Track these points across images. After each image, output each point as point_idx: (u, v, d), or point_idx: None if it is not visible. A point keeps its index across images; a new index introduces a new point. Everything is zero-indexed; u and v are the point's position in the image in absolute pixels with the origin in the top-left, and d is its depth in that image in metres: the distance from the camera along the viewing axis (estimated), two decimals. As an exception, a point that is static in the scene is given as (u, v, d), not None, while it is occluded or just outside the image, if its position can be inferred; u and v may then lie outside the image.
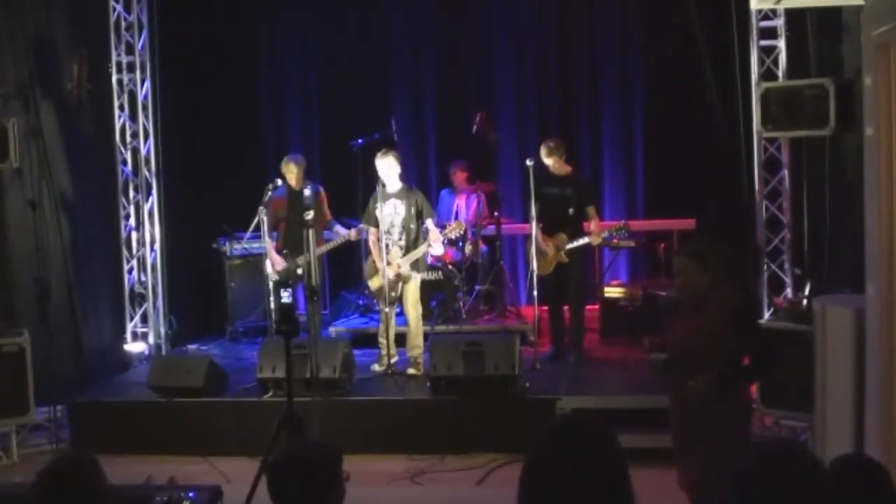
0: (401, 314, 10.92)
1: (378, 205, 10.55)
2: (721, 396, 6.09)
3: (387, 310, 10.58)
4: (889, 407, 6.72)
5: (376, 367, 10.76)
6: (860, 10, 7.36)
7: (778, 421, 9.19)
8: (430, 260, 11.79)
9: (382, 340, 10.73)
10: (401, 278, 10.56)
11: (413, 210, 10.59)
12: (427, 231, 10.67)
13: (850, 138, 9.39)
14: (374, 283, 10.80)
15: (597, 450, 3.22)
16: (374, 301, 12.06)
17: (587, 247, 11.01)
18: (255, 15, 14.16)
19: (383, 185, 10.52)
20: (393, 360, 10.68)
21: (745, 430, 6.53)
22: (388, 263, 10.45)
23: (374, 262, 10.71)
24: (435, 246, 10.82)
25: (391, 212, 10.57)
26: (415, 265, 10.68)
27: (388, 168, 10.48)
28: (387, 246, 10.48)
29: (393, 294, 10.57)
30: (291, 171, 10.84)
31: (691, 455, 6.35)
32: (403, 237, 10.59)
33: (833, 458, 3.77)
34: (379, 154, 10.58)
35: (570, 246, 10.67)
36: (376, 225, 10.58)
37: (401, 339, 10.87)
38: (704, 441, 6.20)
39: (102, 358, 11.60)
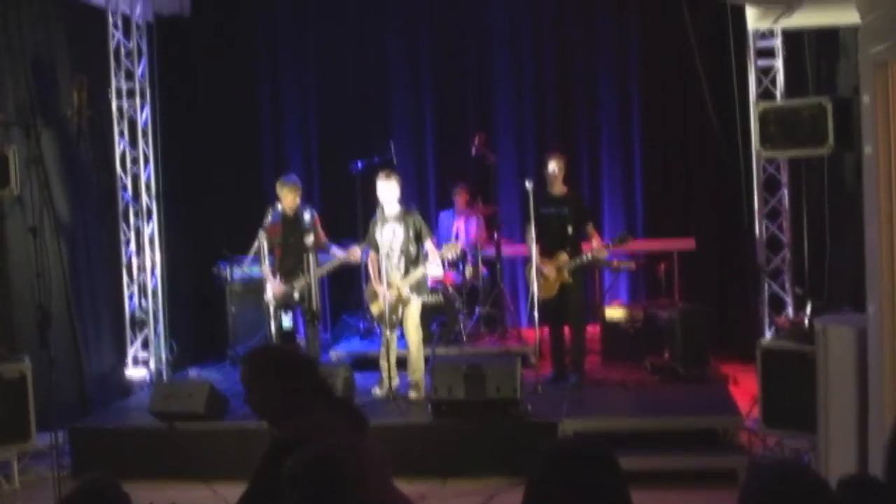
0: (402, 337, 10.90)
1: (377, 228, 10.55)
2: None
3: (388, 333, 10.56)
4: (893, 424, 6.70)
5: (377, 391, 10.73)
6: (857, 29, 7.38)
7: (781, 441, 9.17)
8: (430, 283, 11.79)
9: (384, 364, 10.69)
10: (401, 301, 10.55)
11: (411, 232, 10.54)
12: (427, 253, 10.67)
13: (849, 157, 9.41)
14: (375, 308, 10.77)
15: (596, 473, 3.22)
16: (375, 324, 12.06)
17: (588, 266, 11.02)
18: (253, 39, 14.22)
19: (382, 209, 10.52)
20: (394, 384, 10.65)
21: None
22: (388, 286, 10.45)
23: (374, 285, 10.70)
24: (433, 267, 10.78)
25: (390, 235, 10.55)
26: (416, 288, 10.63)
27: (389, 191, 10.46)
28: (386, 270, 10.49)
29: (394, 317, 10.54)
30: (286, 194, 10.75)
31: None
32: (403, 260, 10.55)
33: (838, 479, 3.76)
34: (382, 175, 10.55)
35: (571, 265, 10.67)
36: (376, 249, 10.58)
37: (402, 363, 10.84)
38: None
39: (103, 384, 11.60)
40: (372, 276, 10.71)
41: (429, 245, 10.65)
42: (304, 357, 5.06)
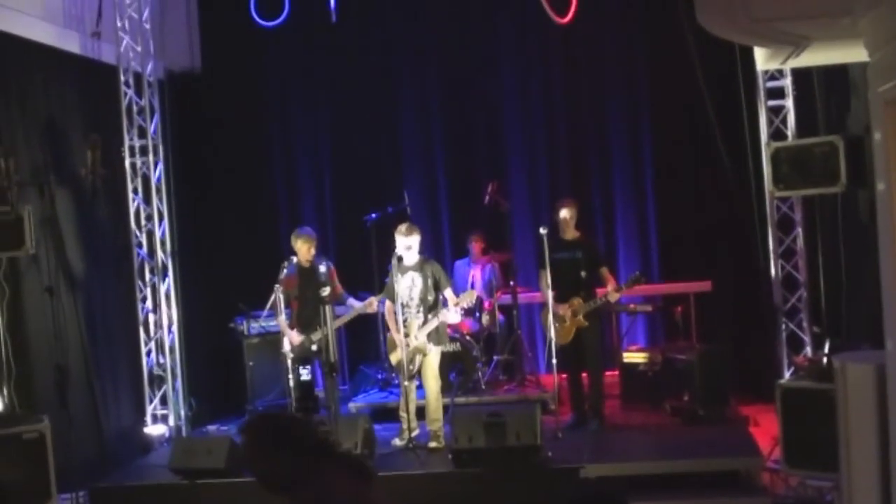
0: (421, 387, 10.88)
1: (395, 278, 10.57)
2: None
3: (406, 383, 10.55)
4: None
5: (398, 442, 10.70)
6: (866, 67, 7.39)
7: (803, 481, 9.11)
8: (448, 331, 11.79)
9: (403, 414, 10.67)
10: (419, 351, 10.55)
11: (430, 282, 10.61)
12: (446, 301, 10.69)
13: (862, 194, 9.40)
14: (394, 357, 10.78)
15: None
16: (394, 375, 12.09)
17: (604, 310, 11.02)
18: (265, 93, 14.30)
19: (399, 259, 10.54)
20: (414, 434, 10.62)
21: None
22: (406, 335, 10.47)
23: (393, 335, 10.70)
24: (451, 314, 10.80)
25: (409, 284, 10.61)
26: (436, 337, 10.64)
27: (410, 245, 10.55)
28: (405, 319, 10.53)
29: (411, 367, 10.54)
30: (301, 245, 10.81)
31: None
32: (422, 309, 10.59)
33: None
34: (403, 230, 10.57)
35: (585, 309, 10.67)
36: (393, 299, 10.61)
37: (421, 412, 10.82)
38: None
39: (123, 441, 11.58)
40: (391, 326, 10.72)
41: (448, 293, 10.70)
42: (300, 421, 5.03)
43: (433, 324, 10.59)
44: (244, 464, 4.76)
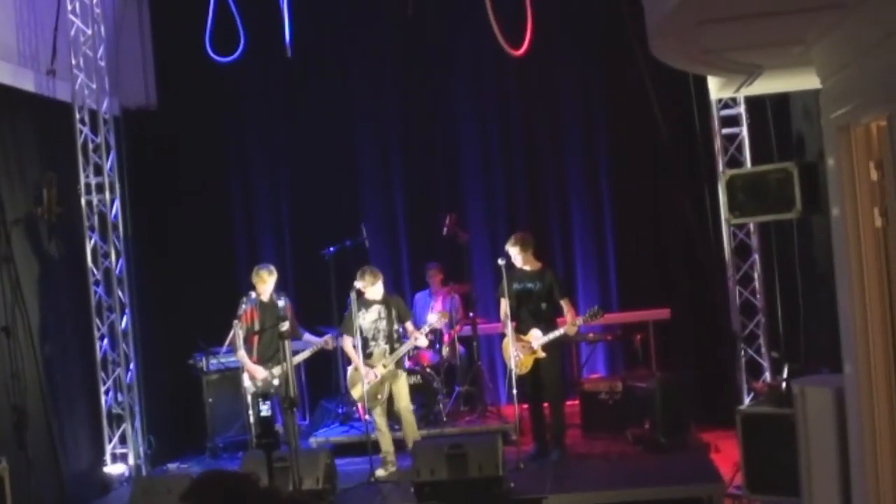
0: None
1: (356, 312, 10.74)
2: None
3: (376, 417, 10.87)
4: (875, 484, 6.71)
5: (381, 472, 10.79)
6: (819, 94, 7.47)
7: (766, 506, 9.15)
8: (407, 364, 11.84)
9: (388, 448, 10.94)
10: (390, 376, 10.80)
11: (394, 313, 10.92)
12: (407, 332, 10.99)
13: (817, 219, 9.48)
14: (356, 392, 10.85)
15: None
16: (354, 409, 12.12)
17: (562, 341, 11.02)
18: (221, 129, 14.24)
19: (359, 293, 10.72)
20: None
21: None
22: (372, 366, 10.70)
23: (355, 370, 10.74)
24: (420, 339, 11.09)
25: (375, 318, 10.89)
26: (401, 364, 10.98)
27: (375, 289, 10.86)
28: (370, 352, 10.79)
29: (379, 397, 10.75)
30: (263, 281, 10.96)
31: None
32: (388, 341, 10.85)
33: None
34: (368, 277, 10.80)
35: (542, 341, 10.68)
36: (353, 333, 10.74)
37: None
38: None
39: (82, 482, 11.46)
40: (353, 359, 10.79)
41: (409, 326, 11.02)
42: (243, 476, 4.97)
43: (403, 349, 10.93)
44: None
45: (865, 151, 6.59)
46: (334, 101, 14.11)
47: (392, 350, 10.84)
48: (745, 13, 6.32)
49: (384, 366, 10.77)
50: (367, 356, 10.80)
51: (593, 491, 9.75)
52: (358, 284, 10.77)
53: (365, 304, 10.85)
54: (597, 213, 13.81)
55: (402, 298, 11.57)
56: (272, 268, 11.17)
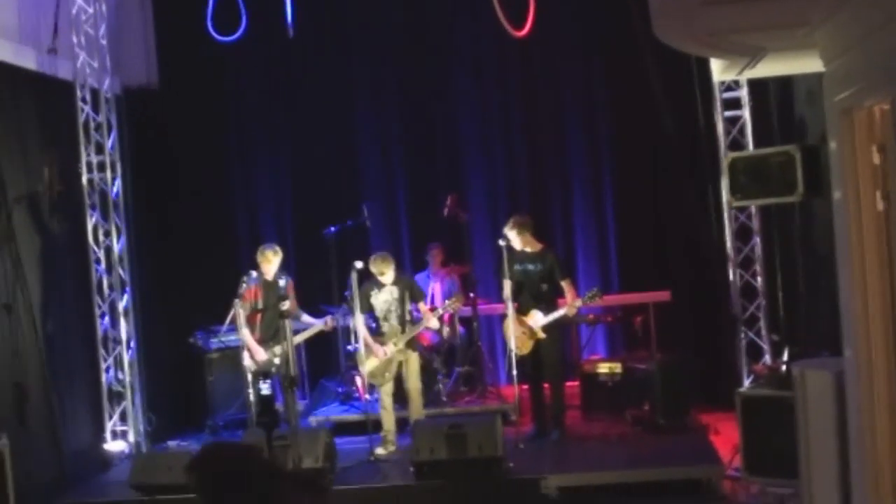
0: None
1: (373, 293, 10.96)
2: None
3: (383, 395, 10.99)
4: (874, 468, 6.72)
5: (381, 451, 10.82)
6: (822, 77, 7.46)
7: (764, 488, 9.15)
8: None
9: (388, 427, 10.99)
10: (402, 354, 10.95)
11: (407, 294, 11.05)
12: (422, 312, 11.21)
13: (819, 203, 9.47)
14: (370, 364, 10.90)
15: None
16: (354, 388, 12.16)
17: (563, 322, 11.03)
18: (222, 108, 14.21)
19: (360, 272, 10.81)
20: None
21: None
22: (384, 344, 10.92)
23: (365, 346, 10.78)
24: (433, 321, 11.28)
25: (387, 298, 11.00)
26: (413, 344, 11.11)
27: (387, 276, 10.98)
28: (383, 331, 11.02)
29: (387, 374, 10.91)
30: (268, 260, 10.93)
31: None
32: (400, 320, 11.00)
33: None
34: (378, 264, 10.88)
35: (543, 322, 10.69)
36: (368, 311, 10.98)
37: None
38: None
39: (82, 458, 11.48)
40: (366, 337, 10.86)
41: (421, 306, 11.24)
42: (246, 448, 4.98)
43: (415, 330, 11.05)
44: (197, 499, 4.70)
45: (868, 135, 6.58)
46: (335, 81, 14.07)
47: (403, 330, 10.94)
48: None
49: (395, 344, 10.87)
50: (379, 335, 10.99)
51: (592, 472, 9.78)
52: (373, 269, 10.85)
53: (377, 284, 10.96)
54: (598, 194, 13.78)
55: (413, 279, 11.66)
56: (277, 248, 11.16)
